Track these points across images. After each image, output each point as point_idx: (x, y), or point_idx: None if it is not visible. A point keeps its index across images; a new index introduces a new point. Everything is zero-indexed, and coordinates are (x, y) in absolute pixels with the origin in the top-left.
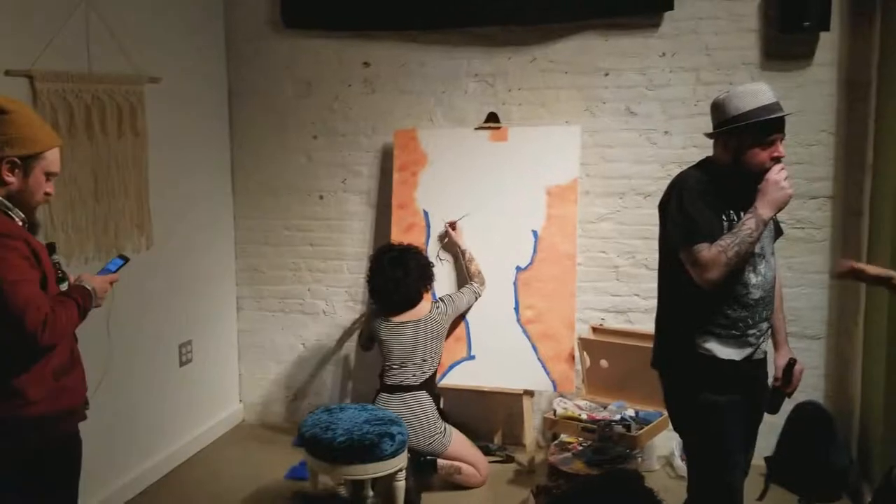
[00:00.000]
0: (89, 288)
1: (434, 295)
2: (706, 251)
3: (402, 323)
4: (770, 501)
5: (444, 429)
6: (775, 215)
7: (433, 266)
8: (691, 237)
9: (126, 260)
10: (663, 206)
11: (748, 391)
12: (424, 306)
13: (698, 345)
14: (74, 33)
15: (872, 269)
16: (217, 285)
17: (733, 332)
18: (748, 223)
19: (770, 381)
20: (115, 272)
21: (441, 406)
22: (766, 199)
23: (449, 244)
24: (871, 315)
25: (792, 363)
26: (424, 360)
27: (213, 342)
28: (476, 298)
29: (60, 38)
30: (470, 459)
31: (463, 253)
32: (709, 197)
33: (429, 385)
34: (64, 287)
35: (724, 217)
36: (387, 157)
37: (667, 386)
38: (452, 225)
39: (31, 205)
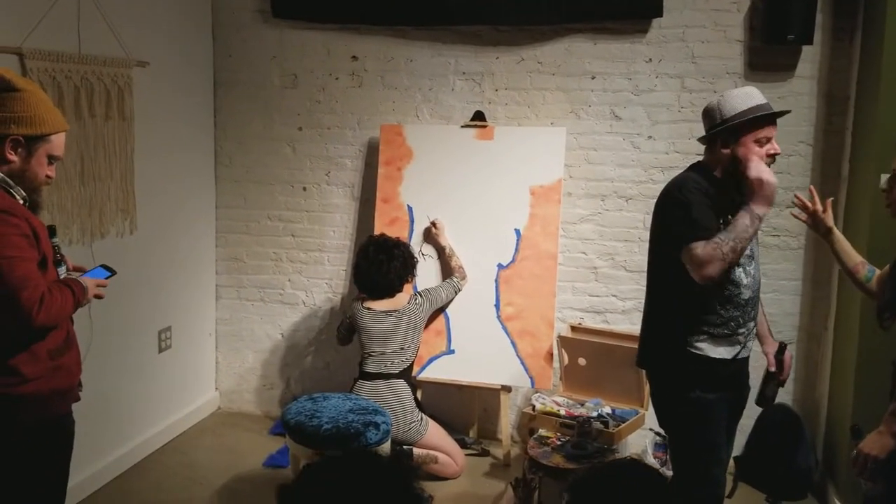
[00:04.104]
0: (84, 285)
1: (415, 288)
2: (702, 248)
3: (382, 311)
4: (739, 500)
5: (421, 418)
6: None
7: (417, 261)
8: (691, 235)
9: (111, 272)
10: (660, 207)
11: (734, 389)
12: (403, 297)
13: (691, 344)
14: (65, 13)
15: (829, 220)
16: (197, 273)
17: (725, 331)
18: (743, 219)
19: (763, 372)
20: (104, 280)
21: (417, 397)
22: (758, 196)
23: (432, 240)
24: (841, 320)
25: (783, 347)
26: (402, 349)
27: (192, 329)
28: (456, 293)
29: (51, 17)
30: (446, 449)
31: (444, 249)
32: (707, 199)
33: (406, 375)
34: (62, 270)
35: (720, 221)
36: (372, 152)
37: (656, 384)
38: (434, 223)
39: (32, 185)
